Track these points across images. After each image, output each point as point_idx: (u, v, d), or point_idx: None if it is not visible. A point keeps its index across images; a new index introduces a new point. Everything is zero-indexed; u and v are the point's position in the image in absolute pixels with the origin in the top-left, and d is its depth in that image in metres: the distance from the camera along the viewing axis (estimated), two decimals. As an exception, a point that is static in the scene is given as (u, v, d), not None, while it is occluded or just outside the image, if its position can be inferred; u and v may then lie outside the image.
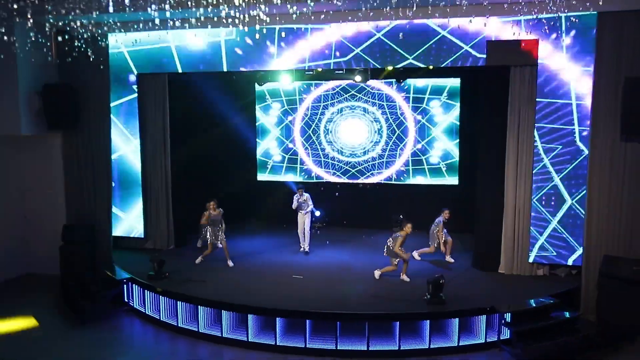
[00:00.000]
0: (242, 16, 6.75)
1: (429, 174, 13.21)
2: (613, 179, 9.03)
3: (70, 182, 11.87)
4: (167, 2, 7.54)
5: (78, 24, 9.06)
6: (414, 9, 7.97)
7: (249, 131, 14.34)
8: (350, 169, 13.76)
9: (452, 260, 10.86)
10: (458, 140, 13.05)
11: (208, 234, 10.76)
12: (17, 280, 12.08)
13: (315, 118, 13.74)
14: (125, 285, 10.29)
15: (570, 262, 9.81)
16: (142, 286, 9.88)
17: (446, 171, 13.13)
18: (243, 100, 14.13)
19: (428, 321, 8.32)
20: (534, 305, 8.73)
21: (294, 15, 8.04)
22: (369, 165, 13.65)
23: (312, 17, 8.98)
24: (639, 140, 8.88)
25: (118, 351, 8.64)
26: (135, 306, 10.11)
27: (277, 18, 8.80)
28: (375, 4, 8.37)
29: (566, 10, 8.12)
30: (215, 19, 7.11)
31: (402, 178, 13.44)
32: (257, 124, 14.30)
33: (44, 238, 12.28)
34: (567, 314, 8.91)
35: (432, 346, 8.31)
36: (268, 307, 8.56)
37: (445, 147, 13.11)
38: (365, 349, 8.26)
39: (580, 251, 9.58)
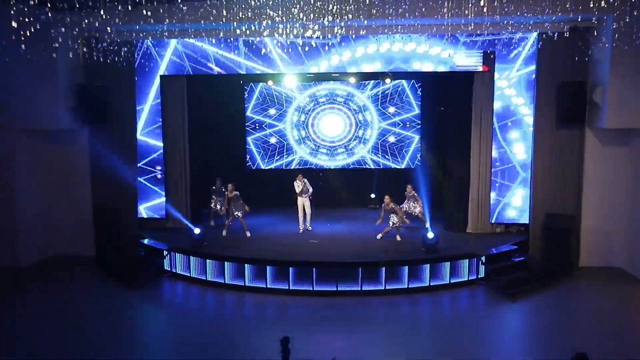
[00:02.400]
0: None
1: (392, 159, 15.83)
2: (551, 155, 12.16)
3: (97, 172, 13.34)
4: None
5: (108, 30, 10.91)
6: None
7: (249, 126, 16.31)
8: (329, 154, 16.02)
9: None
10: (420, 131, 15.77)
11: (239, 211, 12.78)
12: (46, 261, 13.39)
13: (304, 113, 15.93)
14: (166, 256, 12.13)
15: (521, 221, 12.91)
16: (185, 253, 11.82)
17: (409, 157, 15.81)
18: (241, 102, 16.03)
19: (428, 265, 11.02)
20: (500, 251, 11.72)
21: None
22: (343, 150, 15.99)
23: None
24: (568, 127, 12.06)
25: (168, 304, 11.11)
26: (177, 272, 11.99)
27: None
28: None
29: (515, 31, 11.13)
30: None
31: (369, 164, 15.96)
32: (255, 119, 16.26)
33: (68, 223, 13.68)
34: (522, 257, 11.99)
35: (431, 284, 11.02)
36: (289, 260, 11.08)
37: (405, 136, 15.77)
38: (383, 288, 10.81)
39: (527, 212, 12.69)
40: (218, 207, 13.85)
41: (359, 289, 10.80)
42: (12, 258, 12.67)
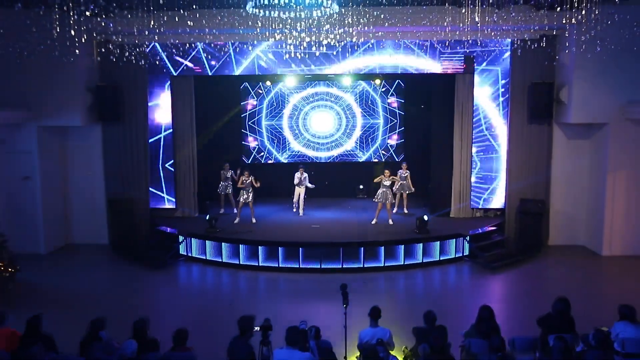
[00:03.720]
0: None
1: (378, 153, 17.32)
2: (523, 148, 13.83)
3: (110, 165, 14.39)
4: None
5: (121, 38, 12.03)
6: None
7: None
8: (320, 147, 17.39)
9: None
10: (402, 128, 17.27)
11: (242, 196, 13.97)
12: (64, 249, 14.34)
13: (298, 111, 17.24)
14: (183, 241, 13.28)
15: (497, 206, 14.57)
16: (200, 238, 13.02)
17: (394, 151, 17.32)
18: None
19: (421, 244, 12.52)
20: (482, 231, 13.35)
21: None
22: (331, 145, 17.38)
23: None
24: (538, 122, 13.74)
25: (189, 282, 12.47)
26: (192, 255, 13.16)
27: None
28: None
29: (492, 38, 12.75)
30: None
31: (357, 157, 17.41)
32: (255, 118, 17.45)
33: (82, 213, 14.65)
34: (500, 237, 13.63)
35: (423, 261, 12.53)
36: (298, 241, 12.49)
37: (391, 132, 17.28)
38: (382, 265, 12.26)
39: (503, 199, 14.34)
40: (228, 191, 14.94)
41: (362, 266, 12.22)
42: (35, 245, 13.57)
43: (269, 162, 17.32)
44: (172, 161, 14.93)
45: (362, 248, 12.28)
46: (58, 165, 14.34)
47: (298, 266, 12.23)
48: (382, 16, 11.82)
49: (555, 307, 7.10)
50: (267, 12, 7.32)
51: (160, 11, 11.06)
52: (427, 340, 6.65)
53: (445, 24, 11.51)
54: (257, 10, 7.26)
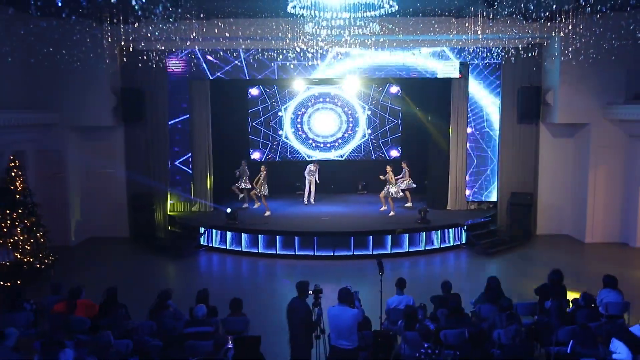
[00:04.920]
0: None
1: (379, 152, 18.59)
2: (513, 146, 15.21)
3: (132, 163, 15.42)
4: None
5: (143, 44, 13.13)
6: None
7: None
8: (322, 147, 18.60)
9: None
10: (401, 128, 18.56)
11: (265, 189, 15.14)
12: (89, 241, 15.33)
13: (300, 112, 18.42)
14: (204, 232, 14.39)
15: (491, 199, 15.94)
16: (221, 229, 14.15)
17: (395, 150, 18.60)
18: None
19: (423, 233, 13.82)
20: (477, 222, 14.70)
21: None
22: (335, 144, 18.61)
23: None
24: (527, 122, 15.13)
25: (210, 270, 13.51)
26: (213, 245, 14.28)
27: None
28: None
29: (486, 46, 14.11)
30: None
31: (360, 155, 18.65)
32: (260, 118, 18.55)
33: (104, 208, 15.61)
34: (493, 227, 15.00)
35: (425, 248, 13.83)
36: (312, 231, 13.72)
37: (392, 132, 18.54)
38: (389, 252, 13.52)
39: (495, 192, 15.72)
40: (247, 185, 16.01)
41: (370, 253, 13.46)
42: (65, 238, 14.55)
43: (279, 159, 18.43)
44: (190, 158, 16.00)
45: (371, 237, 13.53)
46: (83, 163, 15.31)
47: (313, 253, 13.43)
48: (391, 27, 13.03)
49: (550, 278, 8.42)
50: (308, 12, 8.07)
51: (180, 20, 12.26)
52: (444, 305, 7.92)
53: (444, 33, 12.83)
54: (302, 11, 8.08)
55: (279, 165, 18.25)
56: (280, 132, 18.34)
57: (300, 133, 18.39)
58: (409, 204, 16.09)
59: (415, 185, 15.99)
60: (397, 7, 7.82)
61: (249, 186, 15.98)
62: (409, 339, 6.96)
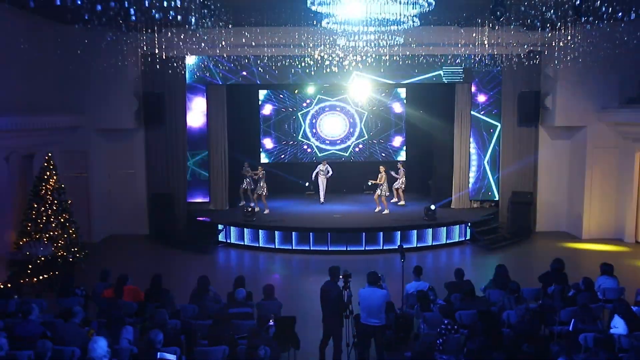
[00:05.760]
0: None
1: (385, 153, 19.45)
2: (514, 147, 16.10)
3: (152, 164, 16.20)
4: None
5: (164, 51, 13.95)
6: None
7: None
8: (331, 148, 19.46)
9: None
10: (406, 131, 19.42)
11: (265, 190, 15.99)
12: (108, 239, 16.07)
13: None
14: (222, 229, 15.18)
15: (492, 198, 16.82)
16: (238, 226, 14.95)
17: (400, 151, 19.45)
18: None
19: (430, 229, 14.67)
20: (480, 219, 15.58)
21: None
22: (342, 147, 19.47)
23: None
24: (527, 125, 16.02)
25: (229, 264, 14.33)
26: (230, 241, 15.08)
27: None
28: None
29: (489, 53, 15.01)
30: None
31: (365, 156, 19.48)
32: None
33: (124, 207, 16.37)
34: (495, 224, 15.87)
35: (432, 243, 14.69)
36: (326, 227, 14.56)
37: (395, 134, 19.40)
38: (397, 247, 14.32)
39: (497, 191, 16.60)
40: (248, 187, 16.81)
41: (381, 248, 14.30)
42: (88, 235, 15.26)
43: (286, 161, 19.24)
44: (206, 159, 16.81)
45: (381, 233, 14.37)
46: (105, 163, 16.08)
47: (327, 249, 14.25)
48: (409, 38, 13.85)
49: (553, 266, 9.28)
50: (340, 27, 8.93)
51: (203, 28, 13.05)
52: (458, 290, 8.75)
53: (453, 42, 13.71)
54: (334, 26, 8.93)
55: (287, 167, 19.07)
56: (294, 134, 19.14)
57: (314, 132, 19.17)
58: (402, 202, 16.91)
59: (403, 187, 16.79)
60: (419, 22, 8.67)
61: (251, 187, 16.75)
62: (428, 318, 7.79)
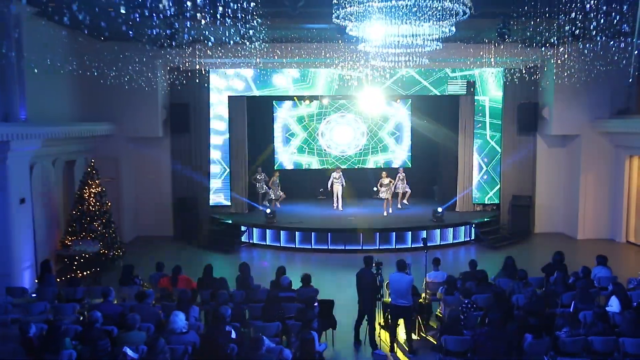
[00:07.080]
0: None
1: (393, 161, 20.67)
2: (514, 155, 17.39)
3: (177, 169, 17.35)
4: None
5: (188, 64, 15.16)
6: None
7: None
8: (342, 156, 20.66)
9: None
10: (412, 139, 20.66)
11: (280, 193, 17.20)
12: (136, 240, 17.17)
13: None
14: (245, 231, 16.33)
15: (494, 201, 18.08)
16: (261, 227, 16.11)
17: (407, 158, 20.68)
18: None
19: (438, 230, 15.90)
20: (483, 221, 16.83)
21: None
22: (355, 153, 20.68)
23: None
24: (525, 134, 17.33)
25: (250, 262, 15.25)
26: (253, 242, 16.23)
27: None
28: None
29: (490, 67, 16.33)
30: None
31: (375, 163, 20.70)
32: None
33: (150, 210, 17.49)
34: (497, 226, 17.12)
35: (440, 243, 15.91)
36: (343, 228, 15.80)
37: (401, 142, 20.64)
38: (409, 246, 15.56)
39: (498, 195, 17.86)
40: (263, 190, 18.03)
41: (393, 247, 15.50)
42: (120, 235, 16.35)
43: (300, 168, 20.43)
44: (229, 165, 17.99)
45: (394, 233, 15.57)
46: (133, 169, 17.21)
47: (344, 248, 15.43)
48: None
49: (554, 257, 10.51)
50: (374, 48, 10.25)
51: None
52: (472, 278, 9.96)
53: (462, 57, 15.03)
54: (367, 48, 10.20)
55: (302, 173, 20.28)
56: (308, 142, 20.35)
57: (326, 139, 20.38)
58: (399, 205, 18.15)
59: (400, 191, 18.04)
60: (442, 45, 9.91)
61: (265, 190, 17.97)
62: (449, 302, 8.99)
